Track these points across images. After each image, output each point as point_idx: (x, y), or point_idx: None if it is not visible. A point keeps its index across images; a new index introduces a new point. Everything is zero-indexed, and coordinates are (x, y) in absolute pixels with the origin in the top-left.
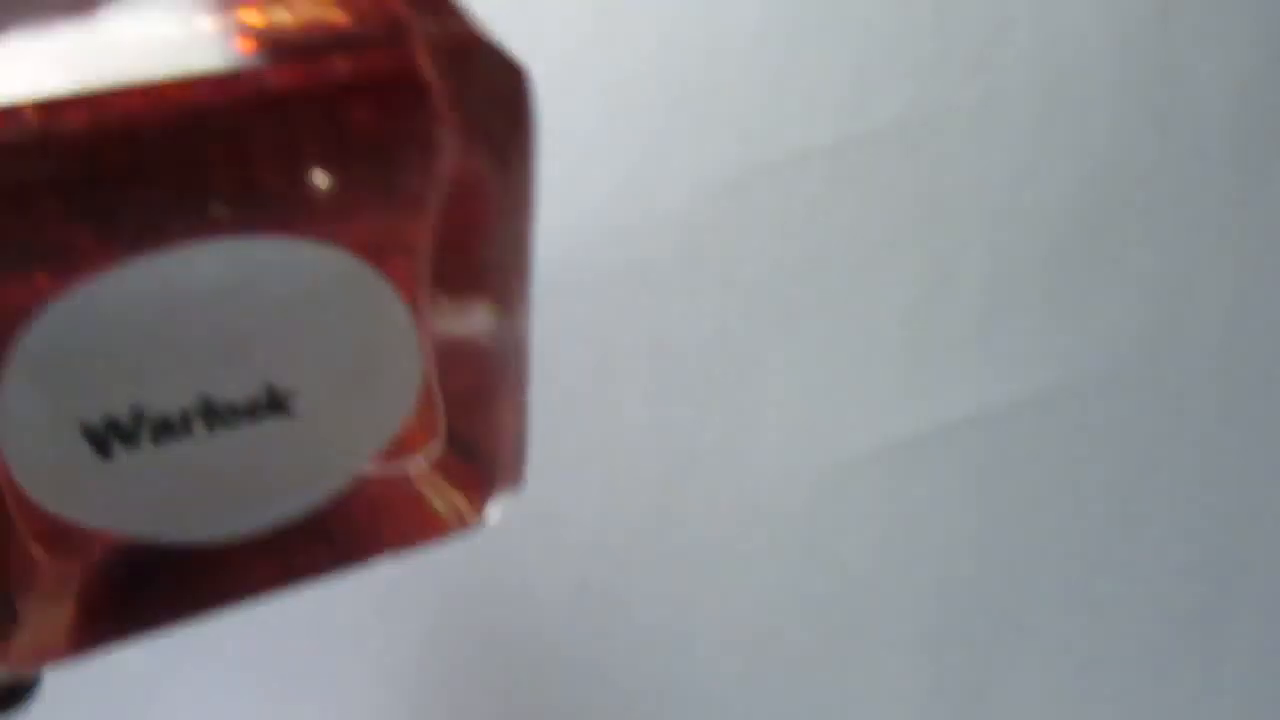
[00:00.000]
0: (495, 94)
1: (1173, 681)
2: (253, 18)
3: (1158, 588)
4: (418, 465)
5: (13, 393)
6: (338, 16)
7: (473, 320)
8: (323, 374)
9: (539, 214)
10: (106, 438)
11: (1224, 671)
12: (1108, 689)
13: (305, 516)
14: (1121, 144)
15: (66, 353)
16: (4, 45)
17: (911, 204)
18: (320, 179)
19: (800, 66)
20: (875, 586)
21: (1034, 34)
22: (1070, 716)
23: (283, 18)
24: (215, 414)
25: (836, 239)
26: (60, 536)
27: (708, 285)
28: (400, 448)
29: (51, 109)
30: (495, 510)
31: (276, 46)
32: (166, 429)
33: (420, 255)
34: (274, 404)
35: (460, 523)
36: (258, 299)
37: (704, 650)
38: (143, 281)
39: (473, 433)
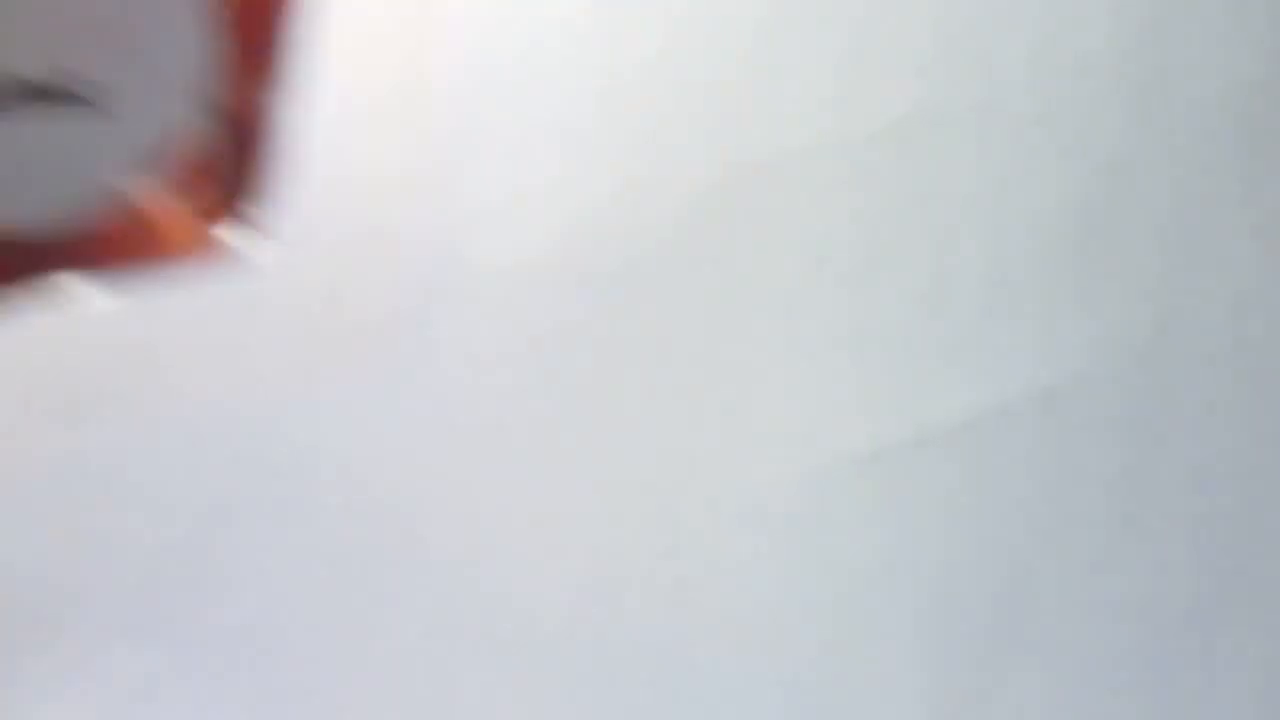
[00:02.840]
0: None
1: (1173, 681)
2: None
3: (1158, 588)
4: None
5: None
6: None
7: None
8: (105, 55)
9: (540, 212)
10: None
11: (1224, 671)
12: (1108, 689)
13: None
14: (1121, 144)
15: None
16: None
17: (911, 204)
18: None
19: (800, 66)
20: (875, 586)
21: (1034, 34)
22: (1070, 715)
23: None
24: None
25: (836, 239)
26: None
27: (707, 285)
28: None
29: None
30: (245, 240)
31: None
32: None
33: None
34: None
35: (196, 243)
36: None
37: (704, 650)
38: None
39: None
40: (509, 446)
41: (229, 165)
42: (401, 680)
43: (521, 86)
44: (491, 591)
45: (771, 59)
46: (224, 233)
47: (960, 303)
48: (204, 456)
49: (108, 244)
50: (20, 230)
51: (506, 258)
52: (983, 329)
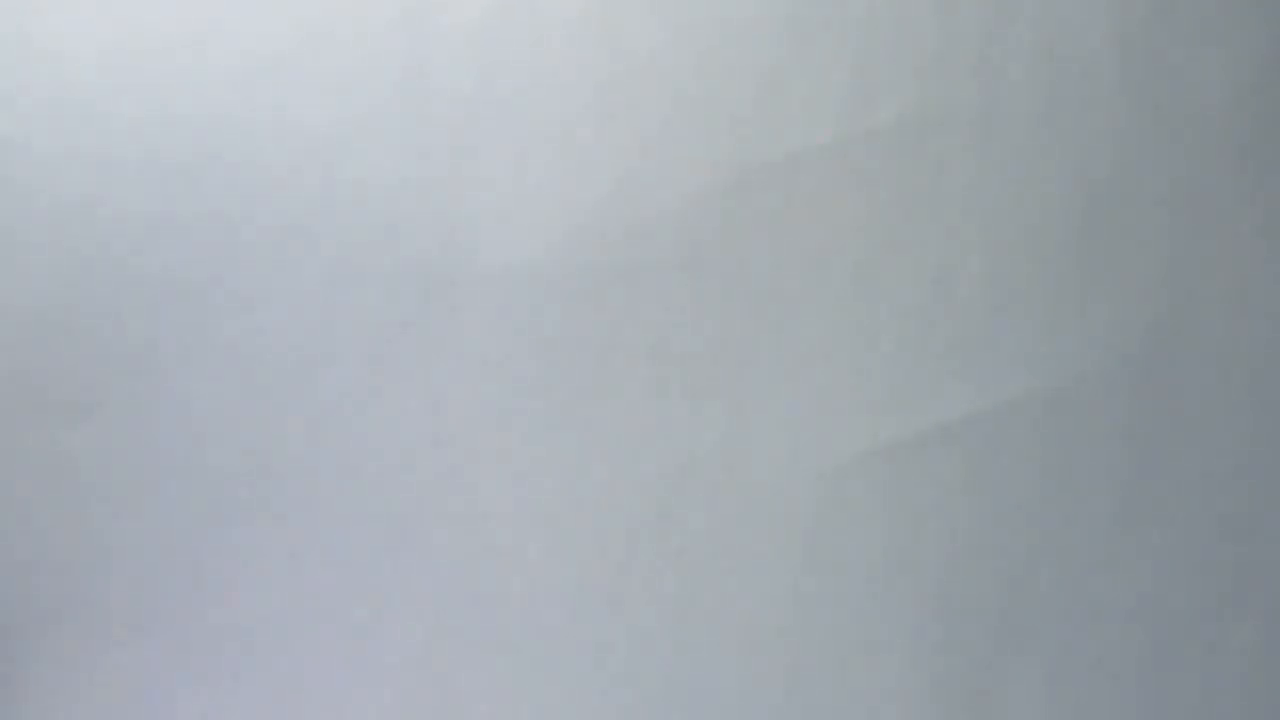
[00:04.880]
0: None
1: (1173, 681)
2: None
3: (1158, 588)
4: None
5: None
6: None
7: None
8: None
9: (540, 212)
10: None
11: (1224, 671)
12: (1108, 689)
13: None
14: (1122, 144)
15: None
16: None
17: (911, 204)
18: None
19: (800, 66)
20: (875, 586)
21: (1034, 34)
22: (1070, 715)
23: None
24: None
25: (836, 239)
26: None
27: (707, 285)
28: None
29: None
30: None
31: None
32: None
33: None
34: None
35: None
36: None
37: (704, 650)
38: None
39: None
40: (509, 446)
41: None
42: (401, 680)
43: (521, 87)
44: (491, 591)
45: (772, 61)
46: None
47: (962, 303)
48: (204, 456)
49: None
50: None
51: (506, 258)
52: (985, 330)
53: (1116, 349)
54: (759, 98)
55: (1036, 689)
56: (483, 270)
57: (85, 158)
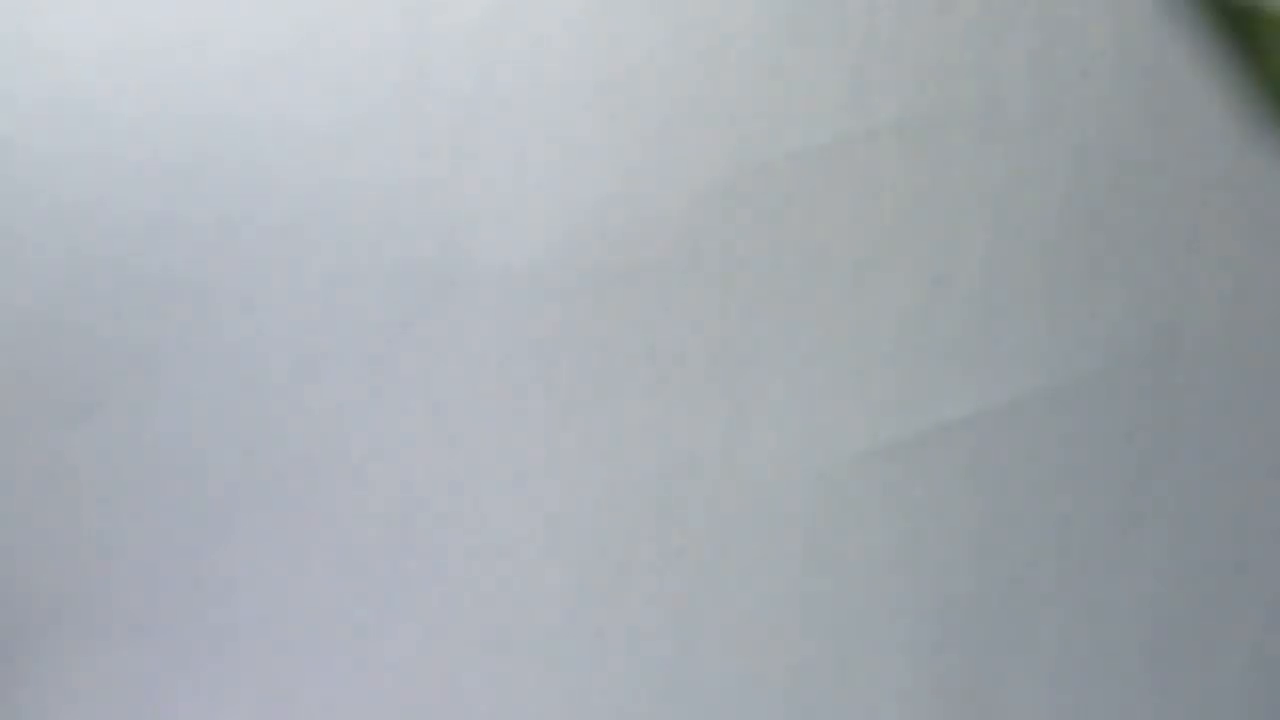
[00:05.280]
0: None
1: (1173, 681)
2: None
3: (1159, 587)
4: None
5: None
6: None
7: None
8: None
9: (540, 212)
10: None
11: (1224, 671)
12: (1108, 690)
13: None
14: (1123, 144)
15: None
16: None
17: (911, 204)
18: None
19: (800, 66)
20: (875, 586)
21: (1034, 34)
22: (1070, 715)
23: None
24: None
25: (836, 239)
26: None
27: (707, 285)
28: None
29: None
30: None
31: None
32: None
33: None
34: None
35: None
36: None
37: (704, 649)
38: None
39: None
40: (509, 446)
41: None
42: (402, 680)
43: (521, 87)
44: (491, 591)
45: (771, 60)
46: None
47: (963, 303)
48: (204, 456)
49: None
50: None
51: (506, 258)
52: (985, 329)
53: (1116, 349)
54: (759, 98)
55: (1037, 689)
56: (483, 270)
57: (85, 158)
